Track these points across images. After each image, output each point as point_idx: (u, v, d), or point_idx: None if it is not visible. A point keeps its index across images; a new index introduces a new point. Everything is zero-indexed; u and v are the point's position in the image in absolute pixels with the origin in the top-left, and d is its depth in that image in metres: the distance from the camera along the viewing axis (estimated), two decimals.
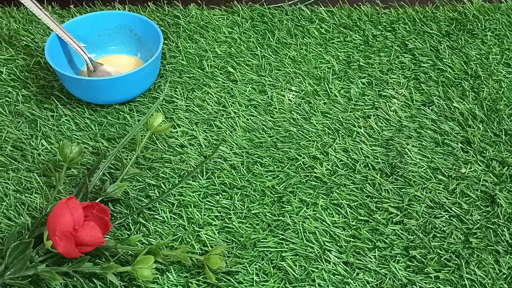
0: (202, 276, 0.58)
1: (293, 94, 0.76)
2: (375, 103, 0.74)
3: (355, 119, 0.72)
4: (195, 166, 0.68)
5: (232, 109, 0.74)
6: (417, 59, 0.79)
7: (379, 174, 0.67)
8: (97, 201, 0.60)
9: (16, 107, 0.75)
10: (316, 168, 0.67)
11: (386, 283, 0.58)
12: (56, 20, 0.75)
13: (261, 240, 0.61)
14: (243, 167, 0.68)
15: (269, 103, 0.75)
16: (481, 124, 0.71)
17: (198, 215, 0.63)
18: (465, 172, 0.66)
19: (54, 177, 0.65)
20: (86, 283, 0.58)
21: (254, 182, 0.66)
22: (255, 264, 0.59)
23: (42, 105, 0.75)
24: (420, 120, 0.72)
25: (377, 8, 0.87)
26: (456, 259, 0.59)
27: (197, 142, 0.71)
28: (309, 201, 0.64)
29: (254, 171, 0.68)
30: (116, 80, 0.71)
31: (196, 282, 0.58)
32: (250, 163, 0.68)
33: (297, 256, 0.60)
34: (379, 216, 0.63)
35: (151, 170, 0.68)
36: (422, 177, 0.66)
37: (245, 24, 0.85)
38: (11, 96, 0.76)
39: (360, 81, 0.77)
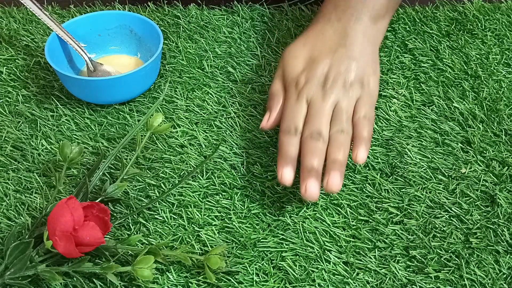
0: (202, 276, 0.58)
1: None
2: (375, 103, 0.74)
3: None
4: (195, 166, 0.68)
5: (232, 109, 0.74)
6: (417, 59, 0.79)
7: (379, 174, 0.67)
8: (97, 201, 0.60)
9: (16, 107, 0.75)
10: None
11: (386, 283, 0.58)
12: (56, 20, 0.75)
13: (261, 240, 0.61)
14: (243, 167, 0.68)
15: None
16: (481, 124, 0.71)
17: (198, 215, 0.63)
18: (465, 172, 0.66)
19: (54, 177, 0.65)
20: (86, 283, 0.58)
21: (254, 182, 0.66)
22: (255, 264, 0.60)
23: (42, 105, 0.75)
24: (420, 120, 0.72)
25: None
26: (456, 259, 0.59)
27: (197, 142, 0.71)
28: (309, 201, 0.64)
29: (254, 171, 0.68)
30: (116, 80, 0.71)
31: (196, 282, 0.58)
32: (250, 163, 0.68)
33: (297, 256, 0.60)
34: (379, 216, 0.63)
35: (151, 170, 0.68)
36: (422, 177, 0.66)
37: (245, 24, 0.85)
38: (11, 96, 0.76)
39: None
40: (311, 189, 0.59)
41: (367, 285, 0.58)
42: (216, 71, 0.79)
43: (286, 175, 0.60)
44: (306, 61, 0.66)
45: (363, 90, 0.65)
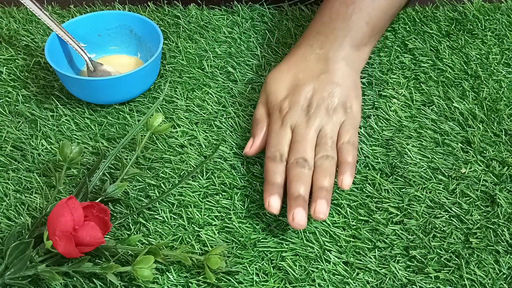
0: (202, 276, 0.58)
1: None
2: (375, 103, 0.74)
3: None
4: (195, 166, 0.68)
5: (232, 109, 0.74)
6: (417, 59, 0.79)
7: (379, 174, 0.67)
8: (97, 201, 0.60)
9: (16, 107, 0.75)
10: None
11: (386, 283, 0.58)
12: (56, 20, 0.75)
13: (261, 240, 0.61)
14: (243, 167, 0.68)
15: None
16: (481, 124, 0.71)
17: (198, 215, 0.63)
18: (465, 172, 0.66)
19: (54, 177, 0.65)
20: (86, 283, 0.58)
21: (254, 182, 0.66)
22: (255, 264, 0.60)
23: (42, 105, 0.75)
24: (420, 120, 0.72)
25: None
26: (456, 259, 0.59)
27: (197, 142, 0.71)
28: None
29: (254, 171, 0.68)
30: (116, 80, 0.71)
31: (196, 282, 0.58)
32: (250, 163, 0.68)
33: (297, 256, 0.60)
34: (379, 216, 0.63)
35: (151, 170, 0.68)
36: (422, 177, 0.66)
37: (245, 24, 0.85)
38: (11, 96, 0.76)
39: (360, 81, 0.76)
40: (298, 218, 0.59)
41: (367, 285, 0.58)
42: (216, 71, 0.79)
43: (273, 203, 0.61)
44: (289, 87, 0.67)
45: (346, 114, 0.66)
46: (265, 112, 0.68)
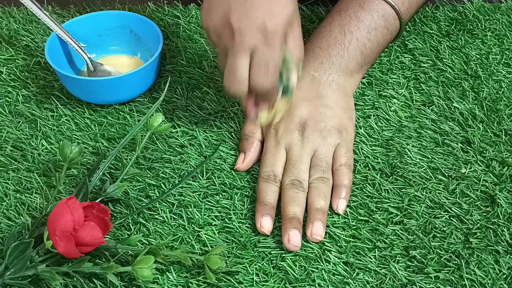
0: (202, 276, 0.58)
1: None
2: (375, 103, 0.74)
3: (355, 119, 0.72)
4: (195, 166, 0.68)
5: (232, 109, 0.74)
6: (417, 59, 0.79)
7: (379, 174, 0.67)
8: (97, 201, 0.60)
9: (16, 107, 0.75)
10: None
11: (386, 283, 0.58)
12: (56, 20, 0.75)
13: (261, 240, 0.61)
14: None
15: None
16: (481, 124, 0.71)
17: (198, 215, 0.63)
18: (465, 172, 0.66)
19: (54, 177, 0.65)
20: (86, 283, 0.58)
21: (254, 182, 0.66)
22: (255, 264, 0.60)
23: (42, 105, 0.75)
24: (420, 120, 0.72)
25: None
26: (456, 259, 0.59)
27: (197, 142, 0.71)
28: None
29: (254, 171, 0.68)
30: (116, 80, 0.71)
31: (196, 282, 0.58)
32: None
33: (297, 256, 0.60)
34: (379, 216, 0.63)
35: (151, 170, 0.68)
36: (422, 177, 0.66)
37: None
38: (11, 96, 0.76)
39: (360, 81, 0.76)
40: (293, 239, 0.60)
41: (367, 285, 0.58)
42: (216, 71, 0.79)
43: (265, 224, 0.61)
44: None
45: (341, 136, 0.67)
46: (255, 127, 0.69)
